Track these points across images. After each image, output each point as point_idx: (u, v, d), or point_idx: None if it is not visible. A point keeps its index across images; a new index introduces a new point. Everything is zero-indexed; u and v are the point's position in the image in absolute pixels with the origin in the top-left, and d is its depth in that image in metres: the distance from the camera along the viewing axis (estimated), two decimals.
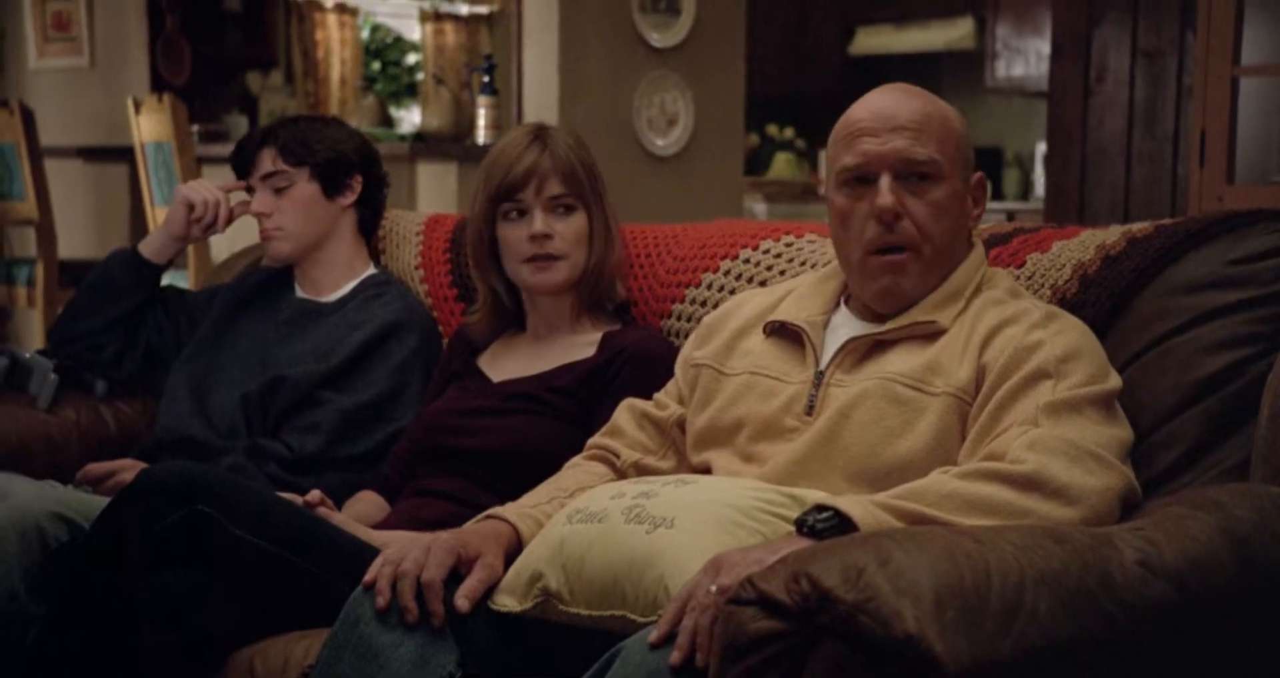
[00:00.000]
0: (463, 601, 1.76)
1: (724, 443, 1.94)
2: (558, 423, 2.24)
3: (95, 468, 2.45)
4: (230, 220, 2.75)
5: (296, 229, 2.64)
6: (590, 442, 2.10)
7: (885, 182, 1.84)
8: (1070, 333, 1.79)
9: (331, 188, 2.66)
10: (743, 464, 1.90)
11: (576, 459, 2.08)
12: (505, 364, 2.38)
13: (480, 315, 2.42)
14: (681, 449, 2.03)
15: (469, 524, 1.92)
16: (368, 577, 1.79)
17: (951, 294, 1.87)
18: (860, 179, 1.86)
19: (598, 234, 2.33)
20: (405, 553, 1.79)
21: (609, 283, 2.37)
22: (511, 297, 2.40)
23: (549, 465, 2.09)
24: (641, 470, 2.01)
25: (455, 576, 1.79)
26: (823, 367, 1.89)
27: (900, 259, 1.86)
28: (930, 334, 1.85)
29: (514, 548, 1.86)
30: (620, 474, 2.03)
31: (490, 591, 1.80)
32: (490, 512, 1.92)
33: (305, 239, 2.65)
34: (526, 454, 2.19)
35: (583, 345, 2.33)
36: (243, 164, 2.69)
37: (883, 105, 1.87)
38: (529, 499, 1.96)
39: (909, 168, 1.84)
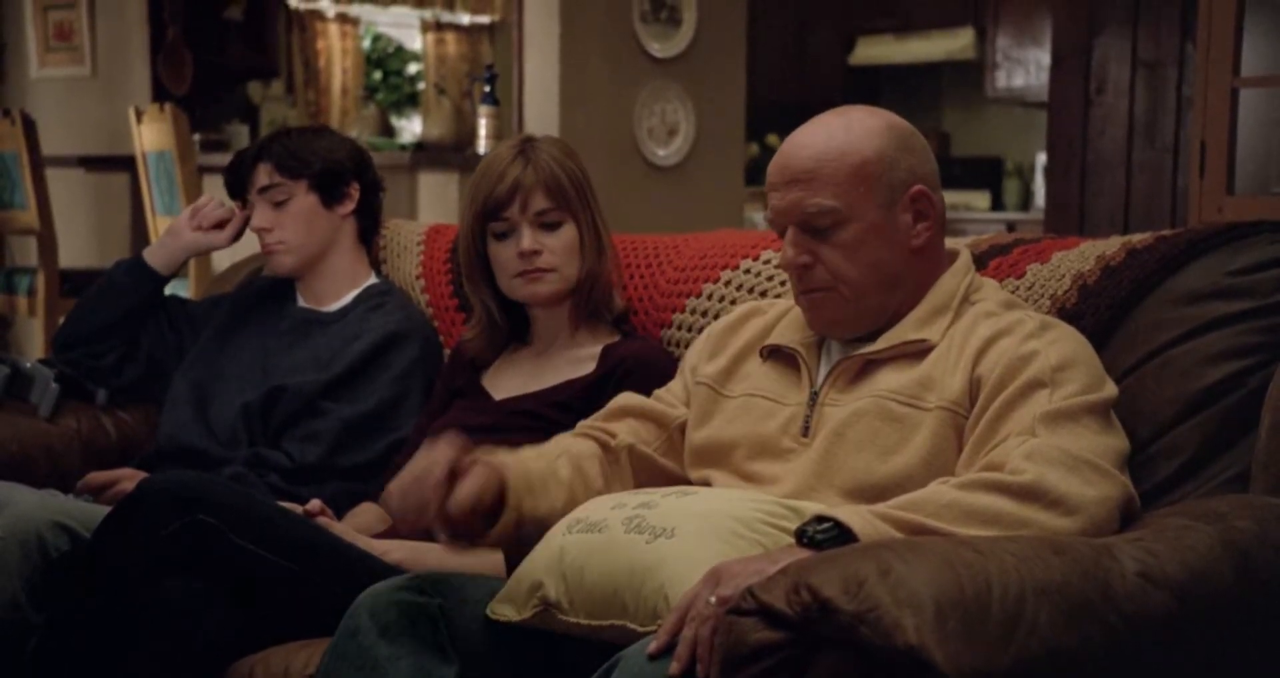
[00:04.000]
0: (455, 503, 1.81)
1: (721, 463, 1.94)
2: None
3: (96, 477, 2.45)
4: (240, 227, 2.75)
5: (298, 241, 2.64)
6: (581, 423, 2.07)
7: (790, 235, 1.86)
8: (1065, 342, 1.79)
9: (330, 198, 2.65)
10: (741, 484, 1.90)
11: (562, 435, 2.06)
12: (507, 382, 2.38)
13: (476, 333, 2.41)
14: (678, 449, 2.02)
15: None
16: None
17: (937, 309, 1.87)
18: (779, 233, 1.89)
19: (588, 244, 2.32)
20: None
21: (605, 293, 2.36)
22: (505, 313, 2.39)
23: None
24: (635, 455, 2.00)
25: (439, 581, 1.82)
26: (817, 387, 1.89)
27: (817, 298, 1.88)
28: (921, 352, 1.85)
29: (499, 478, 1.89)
30: (613, 453, 2.00)
31: (470, 588, 1.82)
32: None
33: (308, 251, 2.65)
34: None
35: (584, 360, 2.32)
36: (238, 181, 2.68)
37: (785, 154, 1.87)
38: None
39: (808, 219, 1.84)
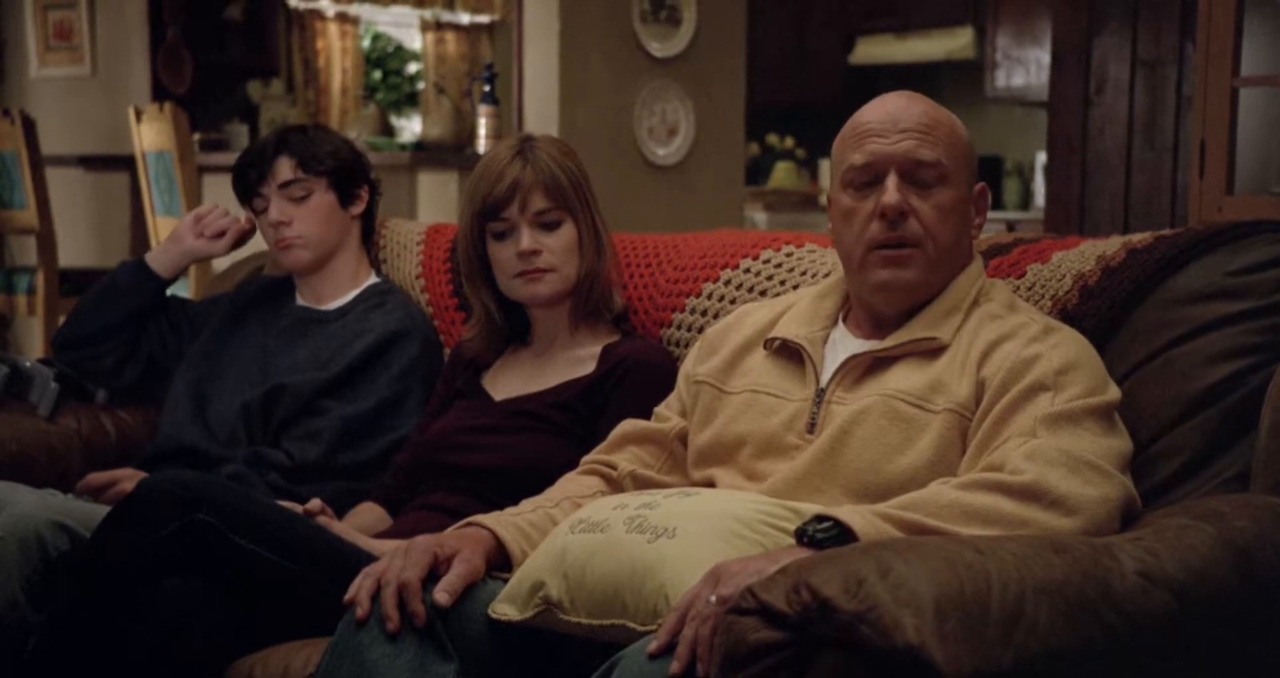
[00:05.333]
0: (442, 594, 1.77)
1: (726, 461, 1.94)
2: (560, 439, 2.23)
3: (95, 478, 2.45)
4: (240, 237, 2.75)
5: (316, 236, 2.64)
6: (584, 458, 2.09)
7: (892, 180, 1.84)
8: (1068, 345, 1.79)
9: (345, 197, 2.67)
10: (745, 481, 1.90)
11: (569, 474, 2.08)
12: (508, 382, 2.38)
13: (475, 333, 2.41)
14: (681, 463, 2.03)
15: (448, 530, 1.92)
16: (348, 594, 1.79)
17: (950, 307, 1.87)
18: (867, 180, 1.87)
19: (587, 243, 2.32)
20: (386, 564, 1.80)
21: (604, 292, 2.36)
22: (504, 313, 2.39)
23: (551, 482, 2.08)
24: (638, 480, 2.01)
25: (437, 577, 1.80)
26: (823, 384, 1.89)
27: (904, 254, 1.86)
28: (931, 351, 1.85)
29: (494, 552, 1.86)
30: (615, 485, 2.02)
31: (471, 588, 1.81)
32: (469, 519, 1.93)
33: (324, 247, 2.66)
34: (529, 471, 2.19)
35: (584, 360, 2.32)
36: (254, 176, 2.66)
37: (892, 108, 1.88)
38: (511, 509, 1.97)
39: (916, 169, 1.84)
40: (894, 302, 1.89)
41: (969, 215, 1.90)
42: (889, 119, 1.86)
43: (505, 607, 1.78)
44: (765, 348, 1.99)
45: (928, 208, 1.85)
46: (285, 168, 2.62)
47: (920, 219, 1.84)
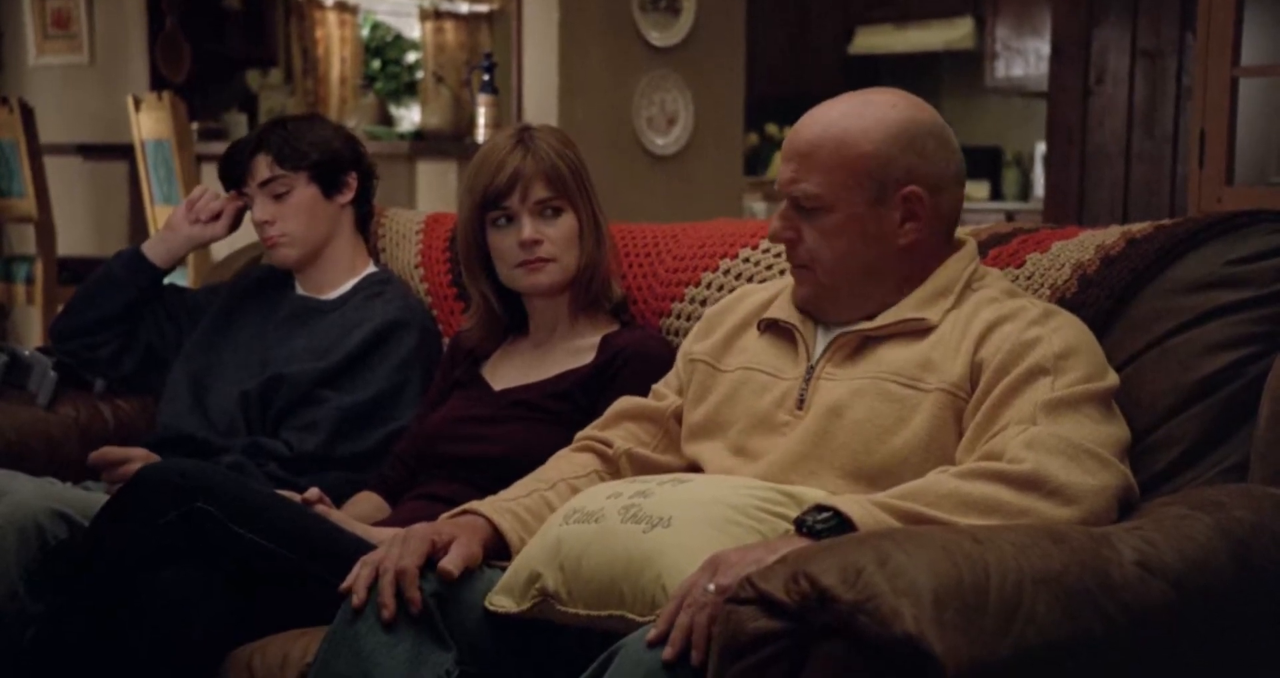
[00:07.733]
0: (448, 564, 1.77)
1: (716, 436, 1.94)
2: (558, 429, 2.23)
3: (111, 453, 2.40)
4: (237, 215, 2.74)
5: (301, 233, 2.63)
6: (580, 434, 2.09)
7: (781, 208, 1.90)
8: (1068, 330, 1.79)
9: (330, 188, 2.65)
10: (733, 457, 1.90)
11: (564, 451, 2.07)
12: (507, 372, 2.37)
13: (474, 323, 2.41)
14: (677, 441, 2.03)
15: (443, 517, 1.92)
16: (345, 583, 1.79)
17: (938, 291, 1.87)
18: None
19: (587, 233, 2.32)
20: (383, 553, 1.80)
21: (604, 282, 2.36)
22: (503, 303, 2.38)
23: None
24: (634, 459, 2.01)
25: (434, 566, 1.80)
26: (814, 361, 1.90)
27: (799, 274, 1.92)
28: (919, 331, 1.85)
29: (491, 540, 1.87)
30: (611, 463, 2.02)
31: (469, 577, 1.81)
32: (465, 506, 1.92)
33: (311, 242, 2.65)
34: (527, 461, 2.18)
35: (583, 351, 2.32)
36: (236, 174, 2.67)
37: (798, 126, 1.90)
38: (507, 493, 1.97)
39: (798, 199, 1.87)
40: (815, 314, 1.93)
41: (876, 229, 1.85)
42: (789, 140, 1.90)
43: (502, 599, 1.78)
44: (758, 328, 1.99)
45: (810, 232, 1.88)
46: (263, 166, 2.62)
47: (806, 244, 1.88)
